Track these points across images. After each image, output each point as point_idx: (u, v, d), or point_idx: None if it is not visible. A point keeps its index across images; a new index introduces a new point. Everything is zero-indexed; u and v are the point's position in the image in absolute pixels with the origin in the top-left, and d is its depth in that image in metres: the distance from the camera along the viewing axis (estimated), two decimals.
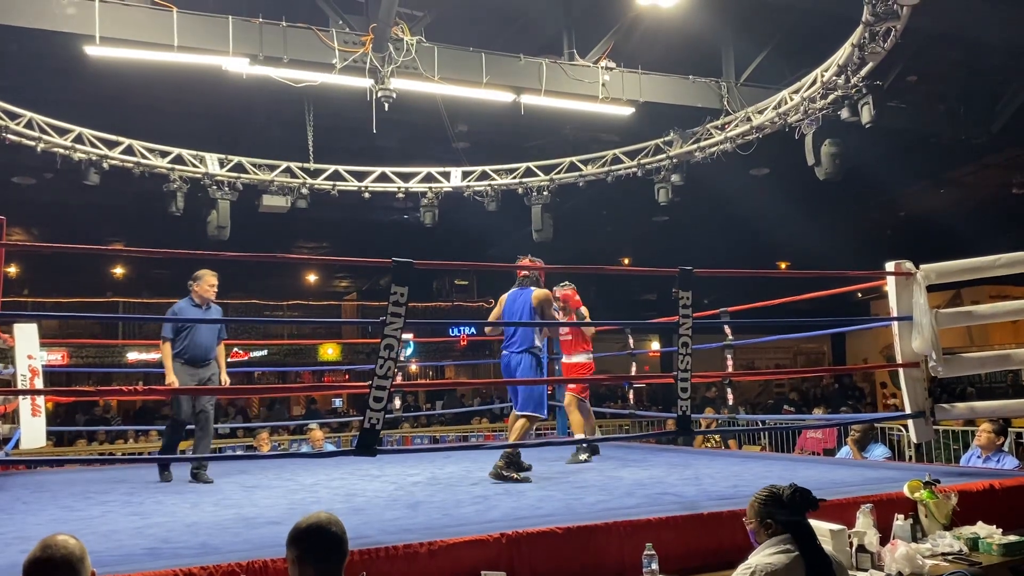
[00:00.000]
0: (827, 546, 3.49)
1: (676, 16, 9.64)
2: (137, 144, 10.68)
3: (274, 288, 22.72)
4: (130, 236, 17.69)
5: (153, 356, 19.13)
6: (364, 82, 9.24)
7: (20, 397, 6.47)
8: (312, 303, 22.42)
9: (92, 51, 8.37)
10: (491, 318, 6.16)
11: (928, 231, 15.74)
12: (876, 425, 8.55)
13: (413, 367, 20.78)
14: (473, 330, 18.64)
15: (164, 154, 10.96)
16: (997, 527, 4.08)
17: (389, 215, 15.92)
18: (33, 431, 6.57)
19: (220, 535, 3.79)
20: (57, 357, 17.31)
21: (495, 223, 14.11)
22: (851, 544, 3.75)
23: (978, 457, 6.22)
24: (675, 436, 7.41)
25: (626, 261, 21.06)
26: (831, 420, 10.36)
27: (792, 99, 9.89)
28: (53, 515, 4.61)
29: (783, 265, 19.44)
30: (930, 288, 5.53)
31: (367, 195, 12.23)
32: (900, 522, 4.05)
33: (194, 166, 11.11)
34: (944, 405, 5.81)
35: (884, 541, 3.87)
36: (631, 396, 10.03)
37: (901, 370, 5.63)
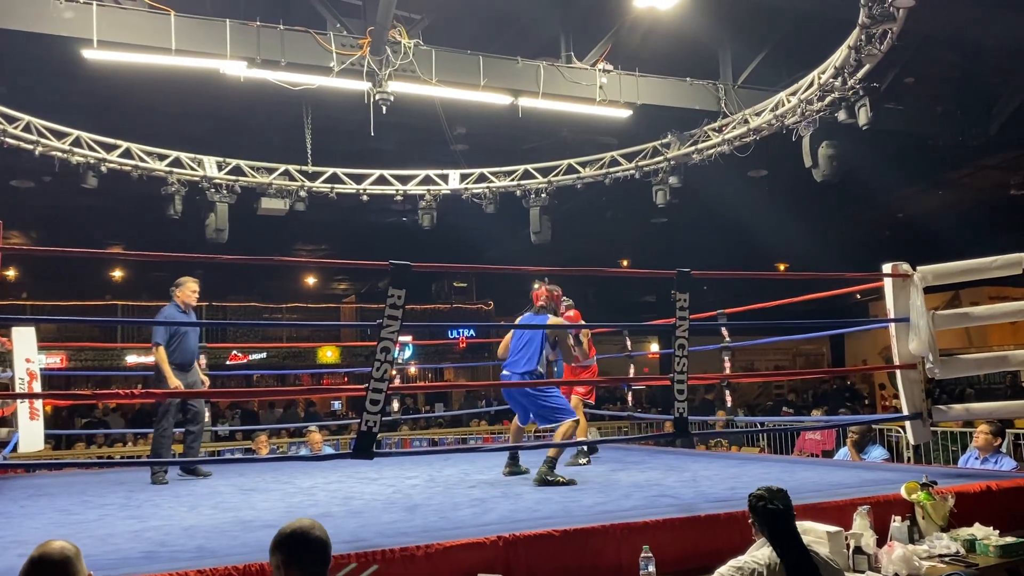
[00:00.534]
0: (824, 548, 3.52)
1: (673, 19, 9.65)
2: (135, 147, 10.67)
3: (273, 291, 22.71)
4: (128, 239, 17.71)
5: (151, 359, 19.14)
6: (362, 85, 9.25)
7: (18, 401, 6.47)
8: (311, 306, 22.41)
9: (90, 54, 8.37)
10: (502, 345, 6.06)
11: (926, 233, 15.75)
12: (874, 427, 8.56)
13: (412, 369, 20.76)
14: (472, 332, 18.69)
15: (162, 157, 10.95)
16: (994, 528, 4.09)
17: (387, 217, 15.92)
18: (31, 434, 6.57)
19: (217, 538, 3.79)
20: (56, 360, 17.28)
21: (493, 225, 14.11)
22: (848, 546, 3.76)
23: (976, 458, 6.23)
24: (673, 438, 7.40)
25: (625, 263, 21.07)
26: (829, 422, 10.37)
27: (789, 101, 9.90)
28: (50, 519, 4.61)
29: (781, 267, 19.46)
30: (928, 290, 5.53)
31: (365, 198, 12.23)
32: (897, 524, 4.05)
33: (192, 169, 11.11)
34: (941, 407, 5.81)
35: (881, 543, 3.87)
36: (630, 398, 10.06)
37: (898, 372, 5.64)
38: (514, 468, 5.94)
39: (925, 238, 15.05)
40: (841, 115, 9.18)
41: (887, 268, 5.66)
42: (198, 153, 11.20)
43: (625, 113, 10.63)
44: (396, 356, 4.12)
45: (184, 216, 11.10)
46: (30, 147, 9.63)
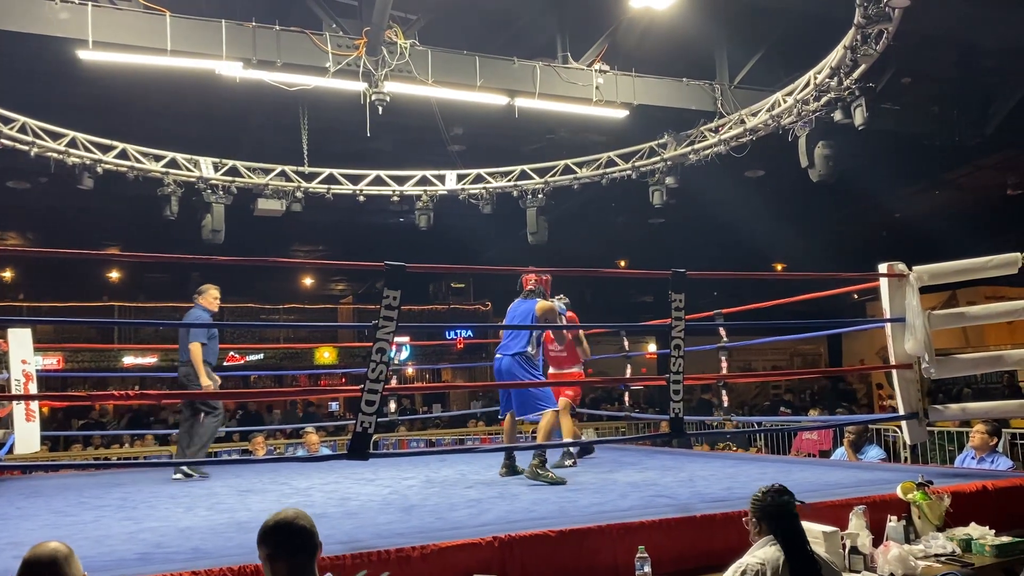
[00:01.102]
0: (820, 548, 3.52)
1: (669, 19, 9.66)
2: (131, 148, 10.66)
3: (270, 292, 22.69)
4: (125, 240, 17.70)
5: (148, 360, 19.15)
6: (358, 85, 9.24)
7: (14, 402, 6.46)
8: (308, 306, 22.40)
9: (85, 55, 8.36)
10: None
11: (922, 232, 15.76)
12: (871, 426, 8.57)
13: (410, 370, 20.76)
14: (470, 333, 18.69)
15: (158, 158, 10.93)
16: (990, 528, 4.09)
17: (384, 218, 15.93)
18: (27, 436, 6.56)
19: (213, 539, 3.79)
20: (53, 362, 17.27)
21: (490, 226, 14.12)
22: (844, 546, 3.75)
23: (972, 458, 6.23)
24: (669, 438, 7.40)
25: (622, 263, 21.08)
26: (826, 422, 10.37)
27: (785, 101, 9.90)
28: (46, 520, 4.61)
29: (778, 267, 19.47)
30: (924, 289, 5.54)
31: (362, 198, 12.23)
32: (893, 523, 4.05)
33: (188, 170, 11.09)
34: (938, 406, 5.82)
35: (877, 542, 3.87)
36: (627, 398, 10.08)
37: (894, 371, 5.64)
38: (511, 469, 5.93)
39: (921, 238, 15.07)
40: (837, 115, 9.18)
41: (883, 268, 5.66)
42: (194, 154, 11.18)
43: (621, 113, 10.63)
44: (393, 357, 4.12)
45: (180, 217, 11.09)
46: (26, 148, 9.61)
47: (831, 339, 23.36)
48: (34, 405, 6.70)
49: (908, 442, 6.38)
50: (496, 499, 4.81)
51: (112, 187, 10.92)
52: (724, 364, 7.28)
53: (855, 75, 8.78)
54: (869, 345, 19.87)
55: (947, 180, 15.76)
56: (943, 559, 3.85)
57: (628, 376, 8.87)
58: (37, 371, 7.05)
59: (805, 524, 3.69)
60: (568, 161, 12.33)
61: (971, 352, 9.49)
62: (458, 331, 19.47)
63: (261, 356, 20.17)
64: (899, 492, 4.25)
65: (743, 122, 10.52)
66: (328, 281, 24.94)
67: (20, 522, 4.56)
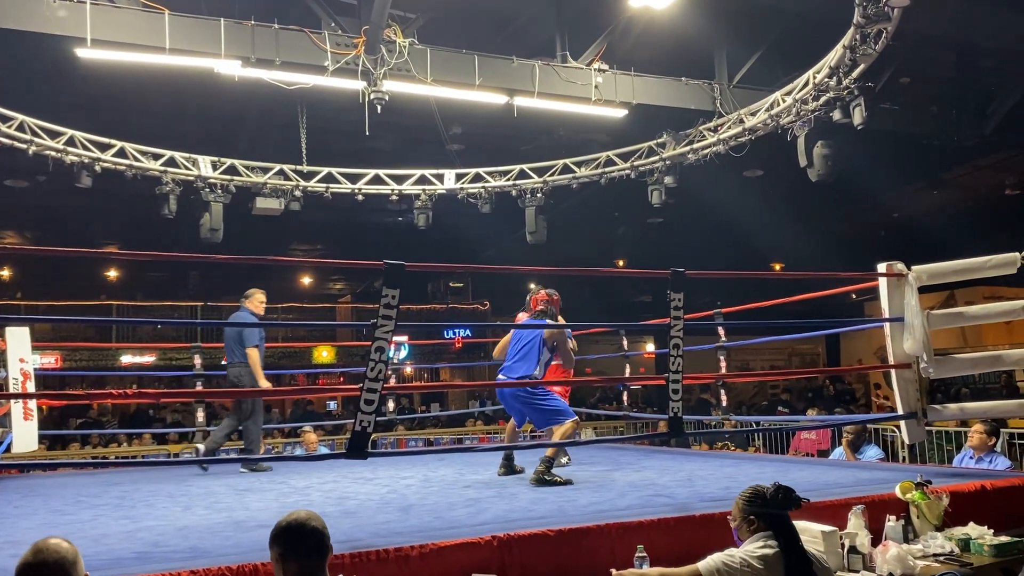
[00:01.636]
0: (818, 547, 3.52)
1: (669, 18, 9.65)
2: (129, 146, 10.64)
3: (268, 291, 22.58)
4: (123, 239, 17.67)
5: (146, 359, 19.13)
6: (357, 84, 9.23)
7: (12, 401, 6.45)
8: (306, 305, 22.34)
9: (83, 53, 8.34)
10: (499, 346, 6.04)
11: (921, 232, 15.78)
12: (869, 426, 8.57)
13: (408, 369, 20.74)
14: (468, 332, 18.68)
15: (156, 156, 10.92)
16: (989, 528, 4.09)
17: (383, 217, 15.93)
18: (25, 435, 6.56)
19: (211, 539, 3.78)
20: (50, 360, 17.23)
21: (489, 225, 14.11)
22: (843, 545, 3.75)
23: (971, 458, 6.23)
24: (668, 438, 7.40)
25: (621, 263, 21.08)
26: (824, 421, 10.38)
27: (784, 101, 9.90)
28: (44, 519, 4.60)
29: (777, 267, 19.48)
30: (923, 289, 5.54)
31: (360, 197, 12.22)
32: (892, 523, 4.05)
33: (187, 168, 11.08)
34: (936, 406, 5.82)
35: (876, 542, 3.87)
36: (625, 398, 10.08)
37: (893, 371, 5.64)
38: (509, 469, 5.92)
39: (920, 238, 15.08)
40: (836, 115, 9.18)
41: (882, 268, 5.66)
42: (193, 153, 11.17)
43: (620, 113, 10.63)
44: (391, 356, 4.11)
45: (179, 216, 11.08)
46: (24, 146, 9.60)
47: (829, 339, 23.35)
48: (32, 404, 6.69)
49: (907, 442, 6.40)
50: (494, 498, 4.80)
51: (110, 185, 10.91)
52: (723, 364, 7.27)
53: (854, 75, 8.78)
54: (867, 345, 19.88)
55: (946, 180, 15.77)
56: (942, 559, 3.85)
57: (627, 375, 8.87)
58: (35, 370, 7.04)
59: (804, 523, 3.70)
60: (567, 160, 12.32)
61: (969, 352, 9.50)
62: (456, 331, 19.46)
63: None
64: (898, 492, 4.25)
65: (742, 121, 10.52)
66: (326, 280, 24.91)
67: (18, 521, 4.55)
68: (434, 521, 4.07)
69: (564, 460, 6.52)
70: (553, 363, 6.84)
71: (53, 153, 9.88)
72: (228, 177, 11.34)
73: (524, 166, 12.48)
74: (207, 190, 11.18)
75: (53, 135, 9.94)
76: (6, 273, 20.93)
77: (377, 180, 12.25)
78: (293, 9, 9.27)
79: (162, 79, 9.54)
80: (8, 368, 6.51)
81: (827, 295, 7.80)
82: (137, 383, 18.42)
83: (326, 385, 17.87)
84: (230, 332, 7.06)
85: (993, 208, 16.71)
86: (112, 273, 21.71)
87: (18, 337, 6.69)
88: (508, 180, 12.47)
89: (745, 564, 3.06)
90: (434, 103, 10.20)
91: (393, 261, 3.87)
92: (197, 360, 7.74)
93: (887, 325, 5.61)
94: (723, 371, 7.35)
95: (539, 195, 12.44)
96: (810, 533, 3.65)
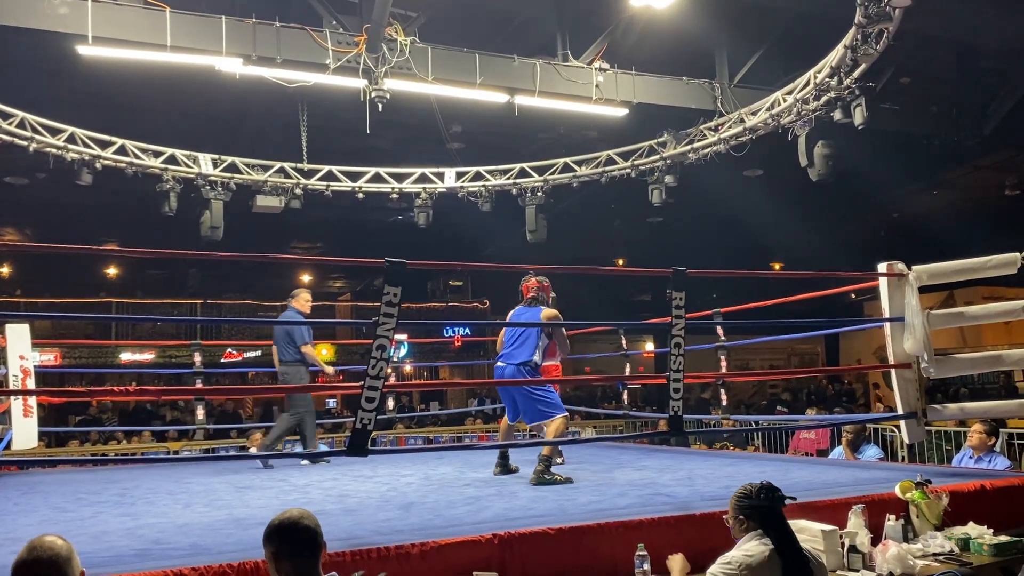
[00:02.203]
0: (818, 547, 3.52)
1: (670, 18, 9.65)
2: (130, 144, 10.64)
3: (268, 289, 22.64)
4: (123, 236, 17.66)
5: (146, 356, 19.14)
6: (358, 82, 9.23)
7: (12, 398, 6.45)
8: None
9: (84, 51, 8.34)
10: (499, 342, 6.07)
11: (921, 232, 15.79)
12: (869, 425, 8.57)
13: (407, 368, 20.74)
14: (468, 331, 18.67)
15: (157, 154, 10.92)
16: (988, 527, 4.09)
17: (383, 216, 15.91)
18: (25, 432, 6.56)
19: (211, 536, 3.78)
20: (50, 358, 17.23)
21: (489, 224, 14.11)
22: (843, 544, 3.76)
23: (970, 458, 6.24)
24: (668, 436, 7.40)
25: (620, 262, 21.08)
26: (824, 421, 10.38)
27: (785, 100, 9.90)
28: (44, 516, 4.60)
29: (777, 266, 19.49)
30: (923, 289, 5.54)
31: (361, 196, 12.22)
32: (891, 522, 4.06)
33: (187, 166, 11.08)
34: (936, 406, 5.82)
35: (875, 541, 3.87)
36: (625, 396, 10.08)
37: (893, 371, 5.64)
38: (504, 468, 5.92)
39: (920, 237, 15.09)
40: (837, 115, 9.18)
41: (882, 267, 5.66)
42: (193, 150, 11.17)
43: (621, 112, 10.63)
44: (392, 354, 4.11)
45: (179, 213, 11.08)
46: (24, 143, 9.59)
47: (828, 339, 23.38)
48: (32, 401, 6.69)
49: (906, 441, 6.40)
50: (494, 496, 4.81)
51: (111, 183, 10.90)
52: (723, 363, 7.27)
53: (855, 75, 8.79)
54: (866, 345, 19.90)
55: (946, 180, 15.78)
56: (941, 558, 3.85)
57: (628, 374, 8.87)
58: (35, 367, 7.04)
59: (804, 523, 3.71)
60: (567, 159, 12.32)
61: (969, 352, 9.51)
62: (456, 329, 19.46)
63: (259, 353, 20.13)
64: (897, 491, 4.26)
65: (743, 121, 10.52)
66: (326, 279, 24.91)
67: (18, 517, 4.55)
68: (434, 519, 4.07)
69: (559, 460, 6.53)
70: (547, 363, 6.85)
71: (54, 150, 9.88)
72: (228, 175, 11.34)
73: (525, 165, 12.48)
74: (207, 188, 11.18)
75: (54, 132, 9.93)
76: (6, 270, 20.93)
77: (377, 178, 12.25)
78: (294, 7, 9.27)
79: (163, 77, 9.54)
80: (8, 365, 6.51)
81: (826, 295, 7.80)
82: (136, 380, 18.43)
83: (326, 383, 17.84)
84: (278, 332, 7.26)
85: (993, 208, 16.72)
86: (112, 270, 21.72)
87: (18, 334, 6.68)
88: (508, 179, 12.47)
89: (743, 567, 3.05)
90: (435, 101, 10.20)
91: (395, 259, 3.88)
92: (197, 357, 7.73)
93: (887, 325, 5.62)
94: (723, 370, 7.35)
95: (539, 194, 12.44)
96: (810, 532, 3.66)
